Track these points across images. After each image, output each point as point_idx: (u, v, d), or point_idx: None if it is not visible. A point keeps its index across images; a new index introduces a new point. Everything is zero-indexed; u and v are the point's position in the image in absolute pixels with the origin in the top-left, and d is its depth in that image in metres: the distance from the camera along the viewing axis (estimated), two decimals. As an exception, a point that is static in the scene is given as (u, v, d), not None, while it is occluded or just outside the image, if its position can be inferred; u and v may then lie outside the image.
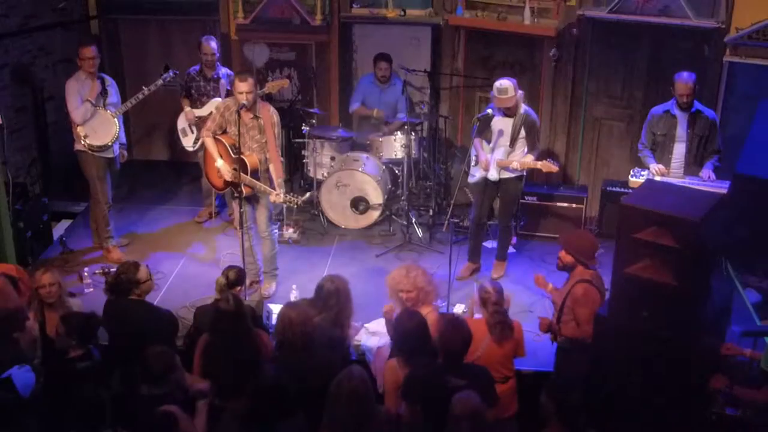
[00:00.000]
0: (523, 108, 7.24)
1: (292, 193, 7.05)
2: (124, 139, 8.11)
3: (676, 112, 7.16)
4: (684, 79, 7.07)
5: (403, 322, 5.13)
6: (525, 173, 7.47)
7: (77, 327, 5.14)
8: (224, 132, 7.10)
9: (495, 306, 5.46)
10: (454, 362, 4.89)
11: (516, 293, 7.53)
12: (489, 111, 7.21)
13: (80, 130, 7.60)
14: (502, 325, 5.44)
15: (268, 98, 8.83)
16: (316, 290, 5.71)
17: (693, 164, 7.21)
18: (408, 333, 5.05)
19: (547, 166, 7.17)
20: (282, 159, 7.14)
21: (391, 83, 9.09)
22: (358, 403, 4.42)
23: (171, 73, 8.15)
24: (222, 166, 7.05)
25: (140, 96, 7.91)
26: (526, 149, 7.30)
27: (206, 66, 8.44)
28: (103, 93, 7.74)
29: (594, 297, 5.53)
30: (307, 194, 7.26)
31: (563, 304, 5.69)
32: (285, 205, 7.13)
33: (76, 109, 7.60)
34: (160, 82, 8.04)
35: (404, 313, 5.26)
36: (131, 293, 5.63)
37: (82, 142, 7.63)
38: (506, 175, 7.35)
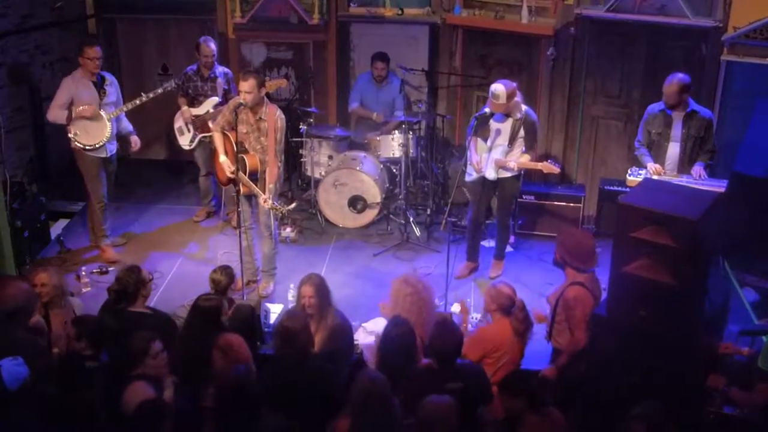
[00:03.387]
0: (524, 108, 7.22)
1: (279, 202, 7.03)
2: (131, 128, 8.11)
3: (672, 111, 7.16)
4: (667, 81, 7.05)
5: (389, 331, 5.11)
6: (522, 172, 7.46)
7: (88, 330, 5.10)
8: (233, 129, 7.08)
9: (523, 311, 5.52)
10: (448, 364, 4.90)
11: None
12: (487, 110, 7.20)
13: (71, 128, 7.58)
14: (530, 328, 5.55)
15: (267, 97, 8.84)
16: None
17: (687, 164, 7.19)
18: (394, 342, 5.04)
19: (548, 167, 7.15)
20: (280, 164, 7.09)
21: (388, 81, 9.10)
22: (385, 404, 4.44)
23: (173, 82, 8.14)
24: (224, 161, 7.06)
25: (137, 102, 7.87)
26: (524, 149, 7.29)
27: (204, 66, 8.44)
28: (102, 93, 7.72)
29: (585, 300, 5.50)
30: (293, 204, 7.25)
31: (556, 306, 5.69)
32: (272, 213, 7.13)
33: (54, 107, 7.63)
34: (159, 90, 8.03)
35: (391, 323, 5.22)
36: (139, 295, 5.62)
37: (72, 140, 7.61)
38: (504, 174, 7.34)
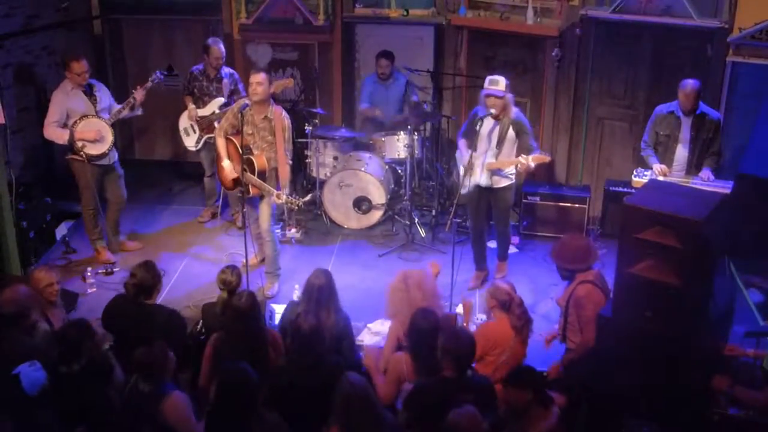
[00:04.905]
0: (514, 112, 7.12)
1: (293, 195, 7.07)
2: (120, 105, 7.90)
3: (681, 114, 7.14)
4: (687, 90, 7.02)
5: (417, 321, 5.13)
6: (514, 180, 7.35)
7: (68, 342, 5.03)
8: (237, 132, 7.12)
9: (520, 307, 5.53)
10: (464, 370, 4.88)
11: (519, 293, 7.51)
12: (492, 111, 7.15)
13: (77, 142, 7.51)
14: (529, 324, 5.54)
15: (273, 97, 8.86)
16: (306, 289, 5.72)
17: (694, 166, 7.19)
18: (421, 332, 5.07)
19: (538, 158, 6.97)
20: (290, 161, 7.15)
21: (393, 79, 9.11)
22: (368, 408, 4.43)
23: (158, 74, 8.07)
24: (228, 166, 7.12)
25: (132, 100, 7.83)
26: (515, 153, 7.13)
27: (212, 67, 8.45)
28: (93, 100, 7.68)
29: (596, 297, 5.52)
30: (308, 196, 7.27)
31: (567, 306, 5.68)
32: (287, 207, 7.17)
33: (50, 125, 7.55)
34: (149, 84, 7.99)
35: (418, 312, 5.23)
36: (155, 290, 5.66)
37: (81, 153, 7.54)
38: (498, 184, 7.24)
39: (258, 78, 6.92)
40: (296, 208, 7.10)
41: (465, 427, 4.26)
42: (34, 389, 4.59)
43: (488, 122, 7.17)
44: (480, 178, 7.23)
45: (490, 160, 7.16)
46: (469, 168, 7.19)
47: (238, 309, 5.25)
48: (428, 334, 5.03)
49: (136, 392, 4.76)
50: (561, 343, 5.92)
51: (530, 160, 6.94)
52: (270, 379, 5.10)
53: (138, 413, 4.69)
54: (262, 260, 7.69)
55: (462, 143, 7.35)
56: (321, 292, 5.58)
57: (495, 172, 7.19)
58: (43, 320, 5.60)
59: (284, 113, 7.14)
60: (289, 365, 5.17)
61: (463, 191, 7.35)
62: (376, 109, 9.16)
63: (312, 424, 4.74)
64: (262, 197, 7.19)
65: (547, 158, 7.06)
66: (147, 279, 5.61)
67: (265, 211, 7.26)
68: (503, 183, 7.26)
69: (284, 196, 6.92)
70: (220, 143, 7.22)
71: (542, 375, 5.15)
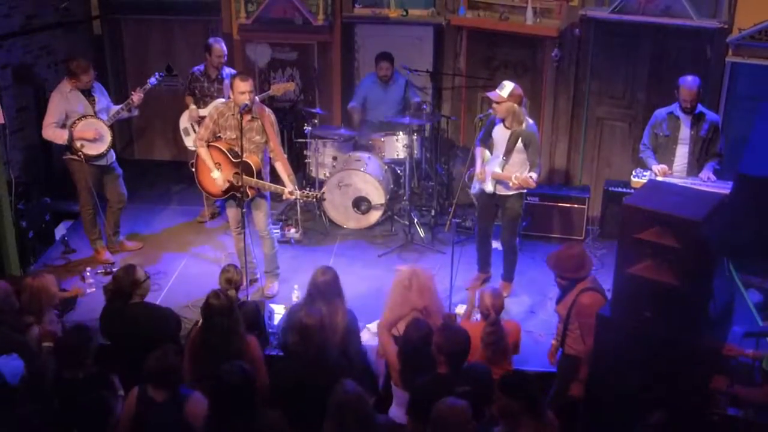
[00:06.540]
0: (528, 123, 7.07)
1: (307, 188, 7.05)
2: (119, 106, 7.90)
3: (680, 114, 7.14)
4: (688, 85, 6.99)
5: (410, 333, 5.12)
6: (526, 191, 7.28)
7: (68, 350, 5.01)
8: (217, 138, 7.08)
9: (491, 327, 5.45)
10: (458, 366, 4.88)
11: (519, 294, 7.53)
12: (491, 111, 7.14)
13: (76, 142, 7.52)
14: (494, 347, 5.44)
15: (271, 99, 8.86)
16: (310, 286, 5.72)
17: (695, 166, 7.18)
18: (413, 345, 5.07)
19: (526, 181, 6.89)
20: (285, 154, 7.14)
21: (393, 81, 9.11)
22: (361, 419, 4.41)
23: (156, 76, 8.09)
24: (218, 177, 7.04)
25: (131, 102, 7.82)
26: (527, 167, 7.04)
27: (213, 67, 8.45)
28: (91, 101, 7.68)
29: (600, 304, 5.49)
30: (324, 188, 7.24)
31: (569, 314, 5.66)
32: (299, 202, 7.08)
33: (49, 126, 7.54)
34: (146, 86, 7.99)
35: (412, 324, 5.21)
36: (134, 295, 5.61)
37: (79, 153, 7.54)
38: (504, 191, 7.16)
39: (248, 86, 6.78)
40: (314, 200, 7.06)
41: (452, 420, 4.23)
42: (15, 379, 4.57)
43: (499, 129, 7.14)
44: (487, 184, 7.21)
45: (496, 170, 7.09)
46: (480, 176, 7.22)
47: (211, 307, 5.26)
48: (420, 347, 5.03)
49: (150, 402, 4.65)
50: (559, 348, 5.91)
51: (520, 180, 6.88)
52: (273, 375, 5.11)
53: (159, 423, 4.62)
54: (250, 281, 7.38)
55: (478, 151, 7.32)
56: (324, 288, 5.59)
57: (499, 181, 7.18)
58: (37, 325, 5.61)
59: (267, 109, 7.12)
60: (292, 361, 5.17)
61: (472, 191, 7.39)
62: (357, 112, 9.21)
63: (314, 422, 4.72)
64: (252, 199, 7.12)
65: (533, 184, 6.95)
66: (125, 284, 5.58)
67: (261, 210, 7.23)
68: (509, 191, 7.19)
69: (297, 192, 6.90)
70: (204, 153, 7.09)
71: (535, 380, 5.08)
